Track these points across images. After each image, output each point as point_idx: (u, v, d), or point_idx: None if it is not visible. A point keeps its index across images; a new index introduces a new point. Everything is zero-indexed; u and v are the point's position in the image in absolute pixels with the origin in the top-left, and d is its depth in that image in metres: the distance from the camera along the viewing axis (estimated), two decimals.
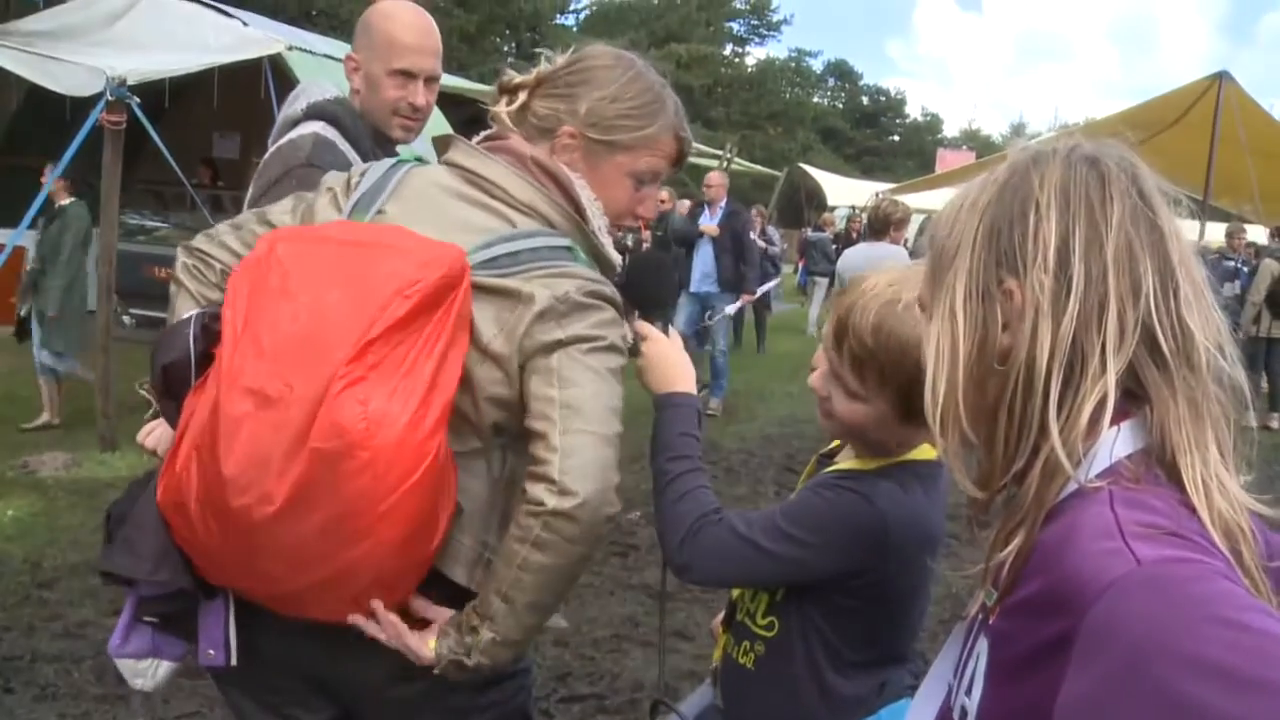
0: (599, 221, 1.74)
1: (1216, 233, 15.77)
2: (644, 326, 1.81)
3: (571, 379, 1.56)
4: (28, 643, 4.05)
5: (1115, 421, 0.93)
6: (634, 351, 1.75)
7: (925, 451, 1.62)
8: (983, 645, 0.98)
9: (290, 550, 1.49)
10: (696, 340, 9.20)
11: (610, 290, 1.65)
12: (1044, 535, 0.92)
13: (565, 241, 1.66)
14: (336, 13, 24.03)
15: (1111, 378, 0.92)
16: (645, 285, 1.90)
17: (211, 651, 1.72)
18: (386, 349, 1.45)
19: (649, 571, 5.15)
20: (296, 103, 2.48)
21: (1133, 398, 0.95)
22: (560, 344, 1.57)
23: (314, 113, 2.41)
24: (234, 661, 1.71)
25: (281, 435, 1.42)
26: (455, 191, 1.69)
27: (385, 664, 1.65)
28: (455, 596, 1.63)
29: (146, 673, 1.82)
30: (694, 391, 1.75)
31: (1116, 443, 0.93)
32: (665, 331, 1.81)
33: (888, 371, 1.54)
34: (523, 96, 1.78)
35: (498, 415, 1.61)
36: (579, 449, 1.52)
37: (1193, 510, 0.89)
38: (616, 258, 1.78)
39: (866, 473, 1.60)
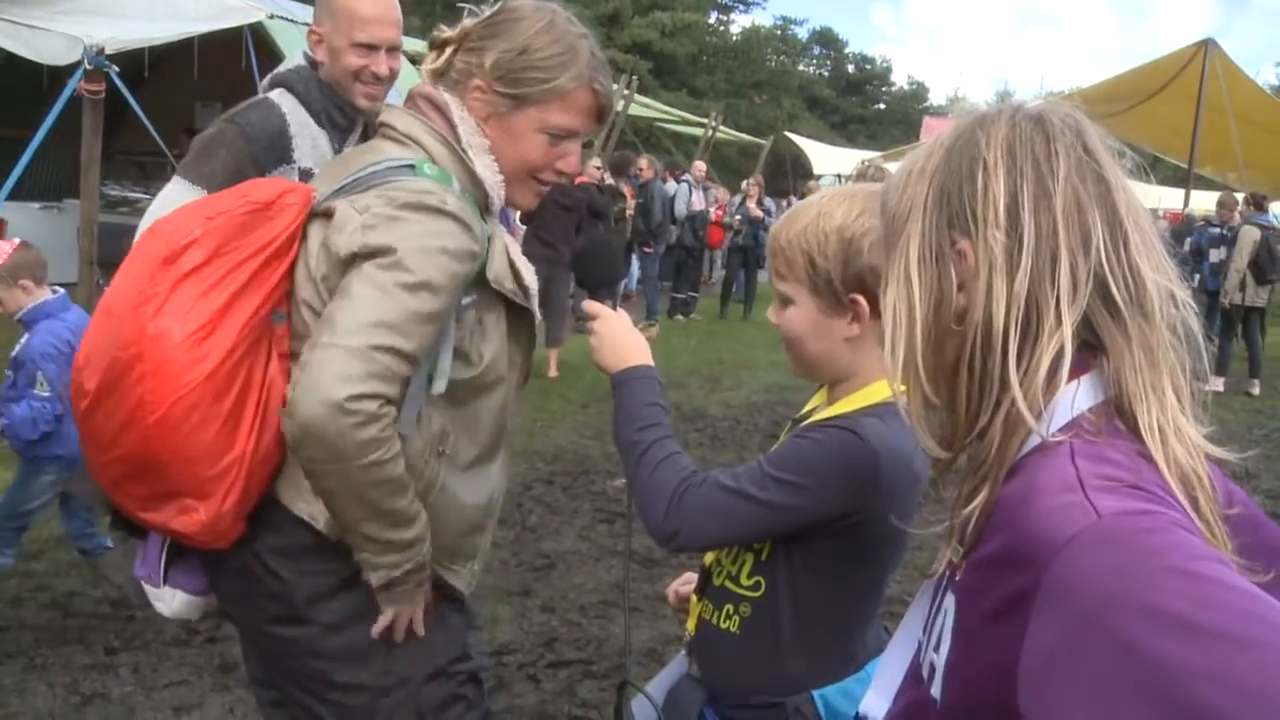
0: (473, 139, 1.73)
1: (1204, 201, 15.81)
2: (593, 305, 1.78)
3: (348, 291, 1.57)
4: (15, 614, 4.05)
5: (1074, 376, 0.94)
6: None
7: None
8: (950, 601, 1.00)
9: (99, 440, 1.66)
10: None
11: (440, 199, 1.62)
12: (1006, 490, 0.93)
13: (409, 160, 1.68)
14: None
15: (1068, 329, 0.93)
16: (592, 265, 1.89)
17: (150, 574, 1.88)
18: (188, 267, 1.61)
19: (636, 538, 5.17)
20: (269, 76, 2.64)
21: (1091, 351, 0.96)
22: (355, 257, 1.59)
23: (275, 81, 2.57)
24: (161, 584, 1.86)
25: (101, 341, 1.62)
26: (367, 146, 1.81)
27: (259, 610, 1.75)
28: (285, 522, 1.71)
29: (164, 597, 1.92)
30: (651, 363, 1.72)
31: (1077, 396, 0.94)
32: (614, 309, 1.79)
33: (793, 255, 1.61)
34: (448, 53, 1.78)
35: None
36: (313, 364, 1.53)
37: (1152, 461, 0.90)
38: (490, 176, 1.75)
39: (849, 413, 1.60)
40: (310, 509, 1.69)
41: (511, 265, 1.78)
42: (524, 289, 1.80)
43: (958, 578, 0.99)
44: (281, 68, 2.60)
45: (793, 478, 1.54)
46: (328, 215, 1.67)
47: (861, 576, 1.66)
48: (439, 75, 1.78)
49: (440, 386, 1.70)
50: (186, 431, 1.58)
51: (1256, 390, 11.00)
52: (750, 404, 8.87)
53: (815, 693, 1.63)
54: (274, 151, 2.36)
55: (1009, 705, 0.83)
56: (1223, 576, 0.75)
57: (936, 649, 1.01)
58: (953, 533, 1.01)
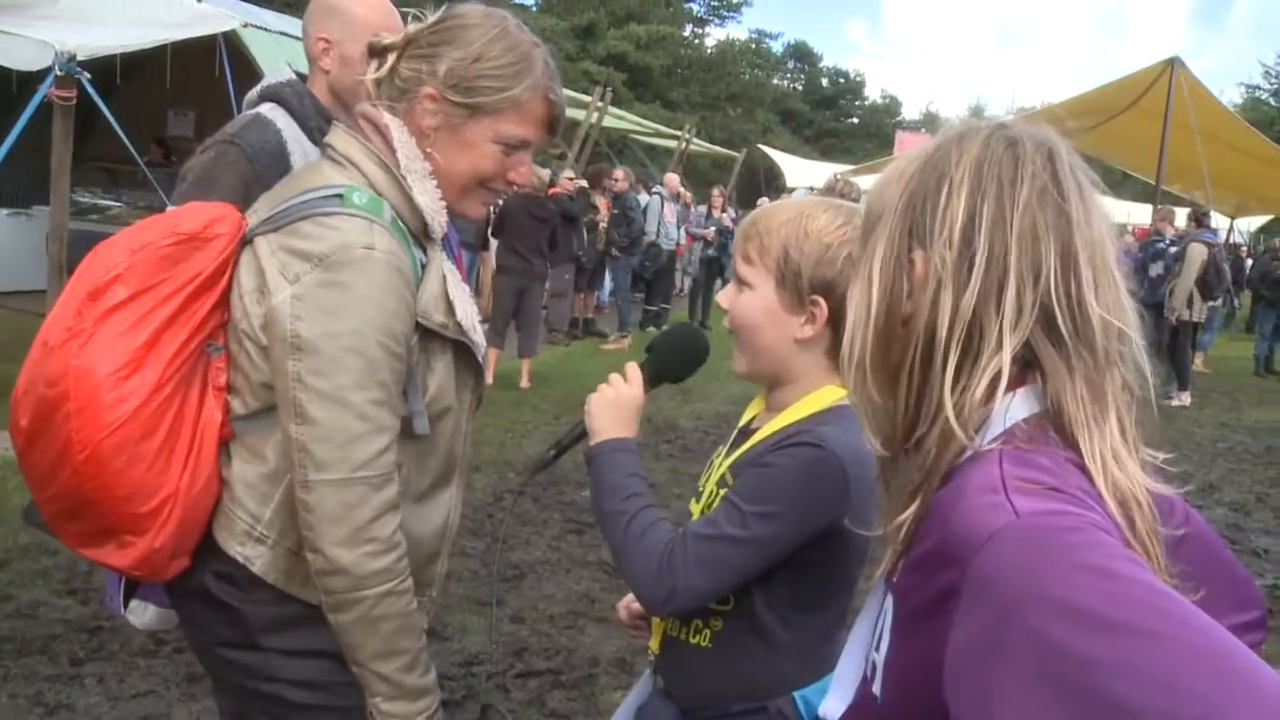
0: (412, 165, 1.68)
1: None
2: (633, 373, 1.74)
3: (304, 414, 1.56)
4: None
5: (1011, 389, 0.97)
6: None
7: (841, 393, 1.60)
8: (889, 602, 1.03)
9: (35, 478, 1.64)
10: None
11: (366, 244, 1.57)
12: (940, 494, 0.97)
13: (337, 189, 1.63)
14: None
15: (1007, 354, 0.95)
16: (668, 361, 1.82)
17: (110, 597, 1.88)
18: (112, 303, 1.57)
19: (605, 549, 5.18)
20: (257, 88, 2.58)
21: (1030, 367, 0.99)
22: (287, 346, 1.56)
23: (265, 95, 2.51)
24: (122, 610, 1.86)
25: (34, 375, 1.59)
26: (309, 167, 1.77)
27: (209, 632, 1.74)
28: (231, 570, 1.69)
29: (136, 610, 1.92)
30: (632, 435, 1.71)
31: (1011, 408, 0.97)
32: (646, 390, 1.75)
33: (769, 242, 1.62)
34: (391, 59, 1.72)
35: (269, 377, 1.63)
36: (314, 504, 1.56)
37: (1083, 469, 0.93)
38: (430, 204, 1.70)
39: (803, 422, 1.60)
40: (244, 551, 1.67)
41: (446, 296, 1.72)
42: (457, 322, 1.73)
43: (894, 579, 1.03)
44: (270, 80, 2.54)
45: (769, 508, 1.53)
46: (249, 244, 1.66)
47: (835, 578, 1.66)
48: (380, 85, 1.73)
49: (421, 426, 1.69)
50: (115, 471, 1.56)
51: (1187, 401, 11.23)
52: (719, 415, 8.91)
53: (796, 693, 1.63)
54: (276, 169, 2.31)
55: (940, 699, 0.86)
56: (1133, 574, 0.78)
57: (878, 648, 1.05)
58: (889, 536, 1.04)
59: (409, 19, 1.76)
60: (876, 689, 1.04)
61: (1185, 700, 0.69)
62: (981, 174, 1.00)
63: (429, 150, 1.70)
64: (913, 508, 0.99)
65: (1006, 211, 0.98)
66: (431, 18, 1.72)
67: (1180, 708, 0.68)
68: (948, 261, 0.98)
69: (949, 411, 0.96)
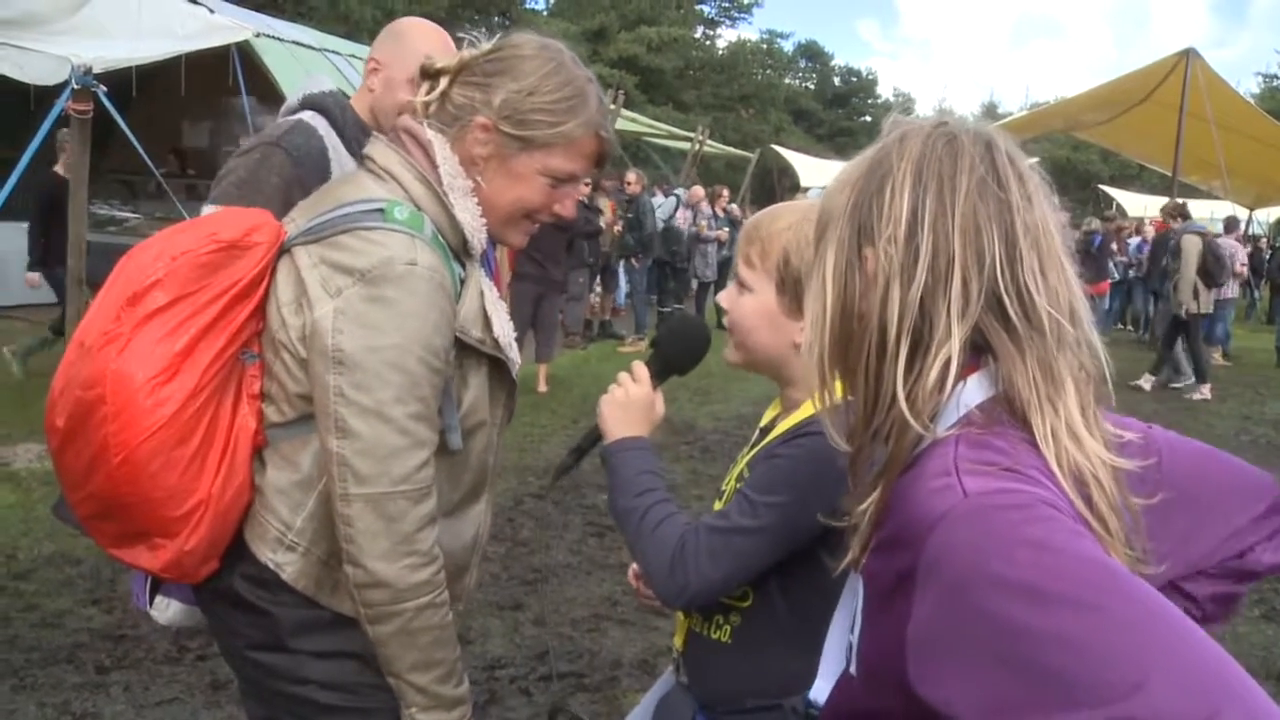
0: (454, 182, 1.68)
1: (1192, 209, 15.97)
2: (640, 371, 1.76)
3: (345, 428, 1.56)
4: (4, 633, 4.04)
5: (965, 374, 1.00)
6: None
7: None
8: (859, 585, 1.08)
9: (70, 478, 1.65)
10: None
11: (409, 259, 1.57)
12: (901, 479, 1.00)
13: (378, 203, 1.62)
14: None
15: (956, 343, 0.98)
16: (680, 350, 1.84)
17: (136, 594, 1.90)
18: (151, 309, 1.58)
19: (626, 551, 5.19)
20: (296, 95, 2.59)
21: (983, 351, 1.01)
22: (328, 359, 1.56)
23: (306, 103, 2.52)
24: (149, 608, 1.87)
25: (71, 376, 1.60)
26: (346, 178, 1.77)
27: (238, 634, 1.75)
28: (261, 573, 1.69)
29: (159, 606, 1.93)
30: (645, 434, 1.72)
31: (965, 394, 1.00)
32: (655, 386, 1.77)
33: (770, 247, 1.63)
34: (443, 83, 1.72)
35: (305, 388, 1.63)
36: (354, 518, 1.56)
37: (1038, 448, 0.96)
38: (471, 221, 1.70)
39: (811, 418, 1.61)
40: (275, 557, 1.67)
41: (484, 312, 1.73)
42: (494, 338, 1.74)
43: (863, 562, 1.07)
44: (311, 89, 2.55)
45: (778, 497, 1.55)
46: (289, 254, 1.66)
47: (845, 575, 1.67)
48: (430, 107, 1.72)
49: (455, 441, 1.70)
50: (150, 474, 1.57)
51: (1207, 394, 11.15)
52: (739, 416, 8.90)
53: (811, 694, 1.64)
54: (318, 174, 2.31)
55: (905, 677, 0.88)
56: (1075, 547, 0.80)
57: (853, 630, 1.09)
58: (854, 526, 1.08)
59: (464, 44, 1.75)
60: (853, 669, 1.08)
61: (1119, 671, 0.70)
62: (922, 170, 1.02)
63: (477, 179, 1.71)
64: (874, 496, 1.03)
65: (948, 204, 1.01)
66: (486, 45, 1.72)
67: (1114, 678, 0.70)
68: (894, 257, 1.01)
69: (902, 402, 0.99)
